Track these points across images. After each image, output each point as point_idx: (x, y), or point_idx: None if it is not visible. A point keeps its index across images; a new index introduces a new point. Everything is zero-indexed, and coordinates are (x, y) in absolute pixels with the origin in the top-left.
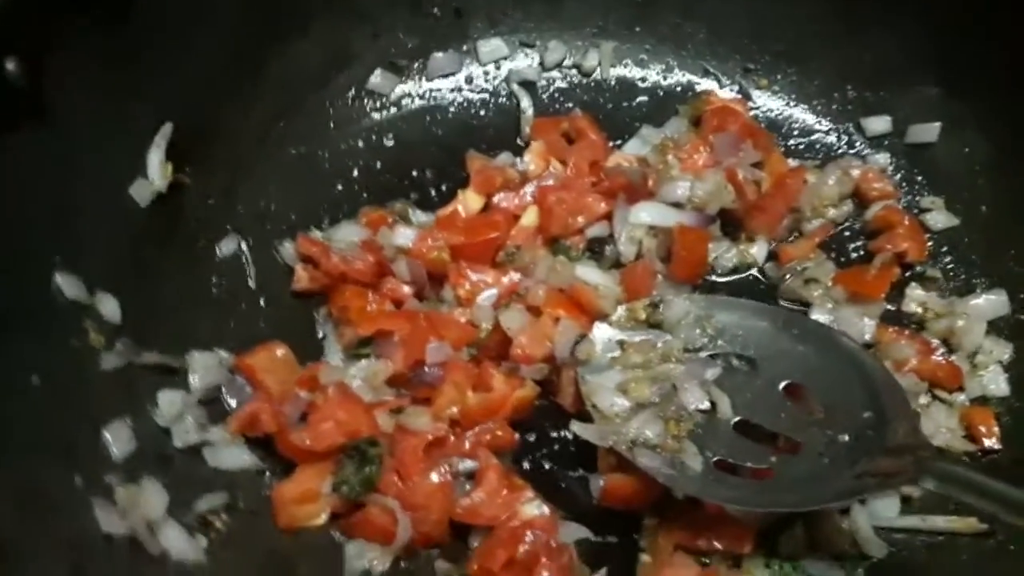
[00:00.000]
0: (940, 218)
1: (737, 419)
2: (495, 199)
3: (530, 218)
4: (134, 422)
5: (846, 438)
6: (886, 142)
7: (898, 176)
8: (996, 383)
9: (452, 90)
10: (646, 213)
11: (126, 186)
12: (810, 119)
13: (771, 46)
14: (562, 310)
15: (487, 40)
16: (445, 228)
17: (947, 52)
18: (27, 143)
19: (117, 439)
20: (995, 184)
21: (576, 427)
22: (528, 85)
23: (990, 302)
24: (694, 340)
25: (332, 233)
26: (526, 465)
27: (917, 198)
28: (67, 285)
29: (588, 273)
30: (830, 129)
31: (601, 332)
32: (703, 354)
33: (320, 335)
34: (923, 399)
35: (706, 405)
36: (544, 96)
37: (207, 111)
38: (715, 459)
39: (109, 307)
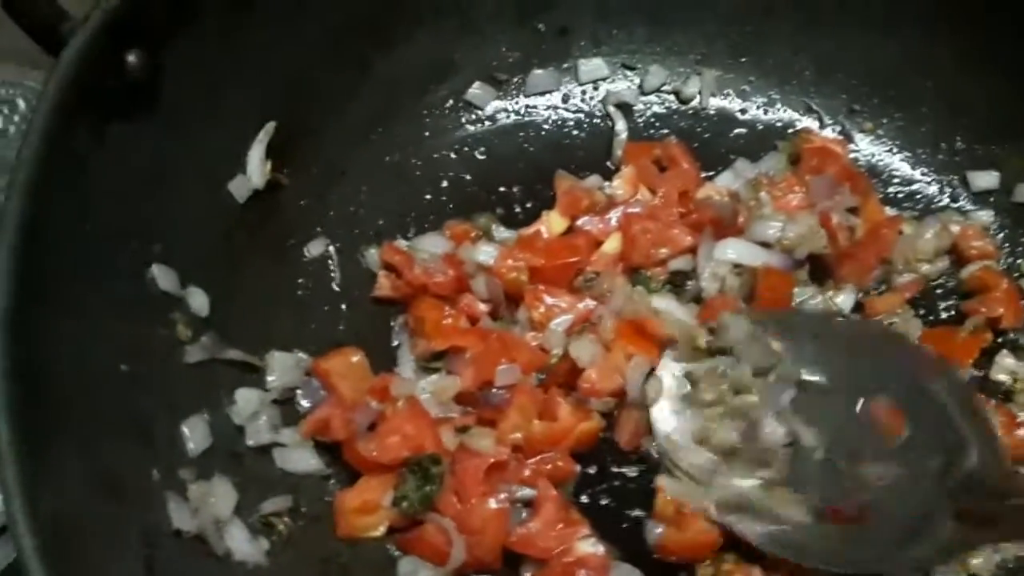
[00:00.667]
0: None
1: (822, 450)
2: (579, 222)
3: (612, 245)
4: (211, 417)
5: (935, 460)
6: (991, 199)
7: (1000, 236)
8: None
9: (548, 108)
10: (732, 250)
11: (225, 182)
12: (913, 168)
13: (881, 88)
14: (634, 346)
15: (588, 59)
16: (526, 248)
17: None
18: (138, 135)
19: (194, 434)
20: None
21: (667, 485)
22: (625, 108)
23: None
24: (761, 361)
25: (417, 243)
26: (584, 499)
27: (1019, 261)
28: (162, 276)
29: (666, 305)
30: (933, 180)
31: (668, 367)
32: (770, 377)
33: (395, 343)
34: None
35: (787, 439)
36: (640, 120)
37: (309, 111)
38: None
39: (198, 301)
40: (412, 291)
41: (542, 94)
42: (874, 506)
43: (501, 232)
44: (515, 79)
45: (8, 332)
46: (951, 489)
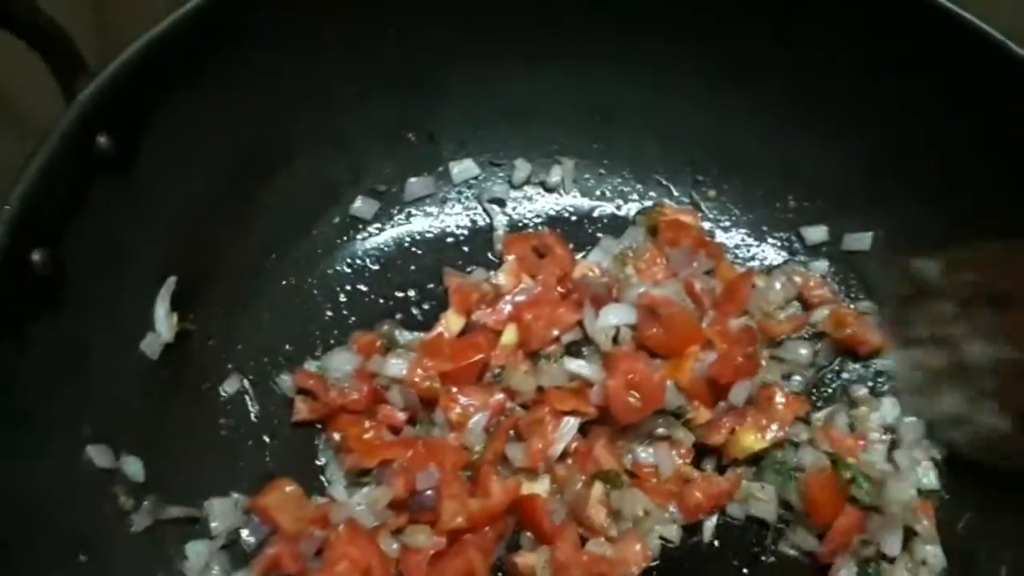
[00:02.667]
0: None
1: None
2: (475, 316)
3: (510, 336)
4: None
5: None
6: (824, 249)
7: (836, 281)
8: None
9: (428, 212)
10: (613, 315)
11: (137, 343)
12: (755, 229)
13: (719, 158)
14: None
15: (459, 161)
16: (432, 355)
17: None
18: (52, 328)
19: None
20: None
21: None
22: (499, 202)
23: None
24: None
25: (326, 361)
26: None
27: (853, 305)
28: (97, 455)
29: (576, 366)
30: (773, 237)
31: None
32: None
33: (322, 461)
34: None
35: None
36: (514, 212)
37: (205, 254)
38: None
39: (133, 467)
40: (330, 411)
41: (421, 199)
42: None
43: (405, 336)
44: (393, 188)
45: None
46: None
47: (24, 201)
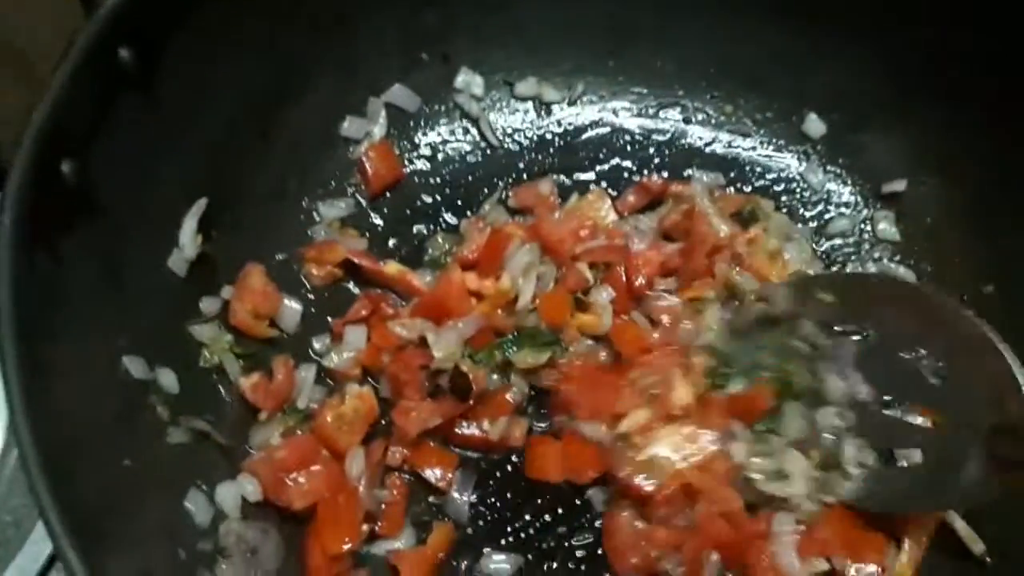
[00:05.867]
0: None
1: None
2: None
3: None
4: (207, 488)
5: (974, 410)
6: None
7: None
8: None
9: (440, 135)
10: None
11: (165, 260)
12: (773, 142)
13: (733, 72)
14: None
15: (471, 78)
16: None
17: None
18: (86, 243)
19: (197, 508)
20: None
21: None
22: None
23: None
24: (818, 315)
25: None
26: None
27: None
28: (133, 366)
29: None
30: (791, 151)
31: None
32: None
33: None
34: None
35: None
36: (527, 131)
37: (227, 176)
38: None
39: (167, 379)
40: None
41: (434, 122)
42: (925, 445)
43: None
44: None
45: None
46: (987, 436)
47: (52, 111)
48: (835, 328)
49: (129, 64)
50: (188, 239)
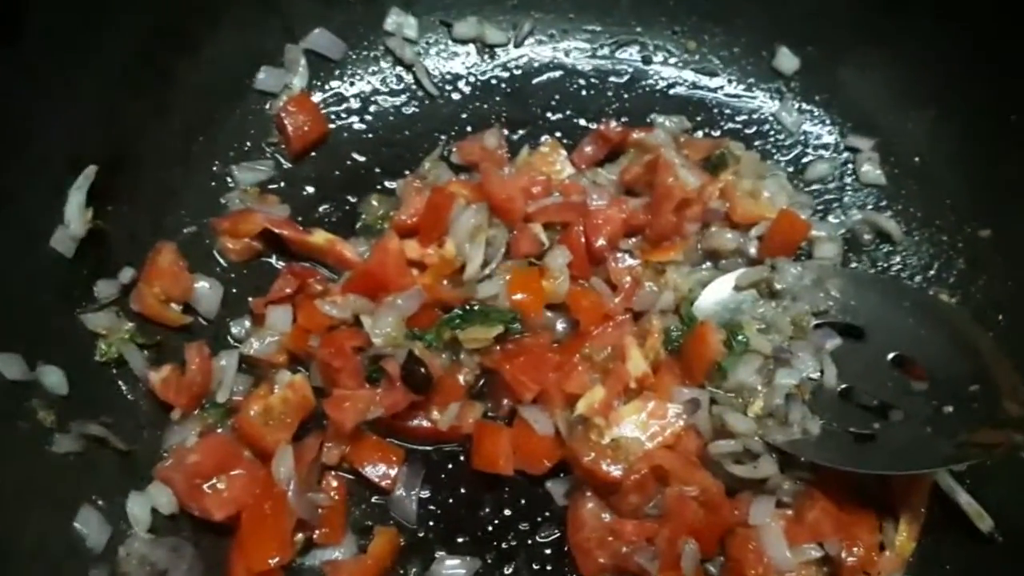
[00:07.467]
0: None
1: (843, 387)
2: None
3: None
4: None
5: (950, 409)
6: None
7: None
8: None
9: (368, 83)
10: None
11: (46, 240)
12: (742, 80)
13: (697, 5)
14: None
15: (403, 19)
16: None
17: None
18: None
19: (90, 528)
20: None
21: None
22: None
23: None
24: (816, 304)
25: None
26: None
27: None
28: (7, 366)
29: None
30: (763, 88)
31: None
32: (813, 323)
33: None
34: None
35: (816, 374)
36: (469, 76)
37: (123, 139)
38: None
39: (53, 379)
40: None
41: (358, 69)
42: (881, 432)
43: None
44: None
45: None
46: (956, 425)
47: None
48: (829, 321)
49: None
50: (75, 214)
